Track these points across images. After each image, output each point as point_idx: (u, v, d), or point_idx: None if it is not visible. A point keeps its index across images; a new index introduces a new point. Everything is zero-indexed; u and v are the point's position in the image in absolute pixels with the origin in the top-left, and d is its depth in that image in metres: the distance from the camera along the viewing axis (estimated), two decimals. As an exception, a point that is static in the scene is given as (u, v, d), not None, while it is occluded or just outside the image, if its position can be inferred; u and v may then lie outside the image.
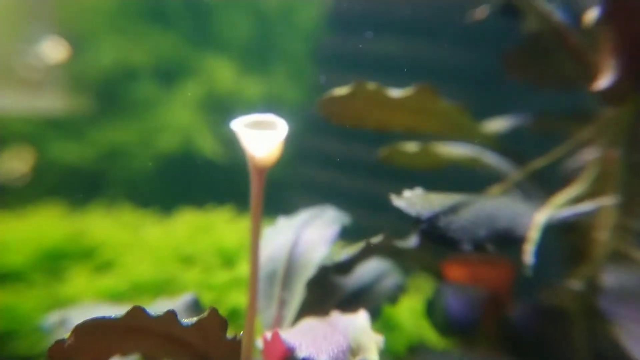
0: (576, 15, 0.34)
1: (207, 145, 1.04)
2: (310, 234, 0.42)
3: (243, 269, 0.73)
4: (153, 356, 0.23)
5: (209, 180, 1.02)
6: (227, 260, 0.76)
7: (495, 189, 0.37)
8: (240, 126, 0.35)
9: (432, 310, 0.40)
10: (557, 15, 0.31)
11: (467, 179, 0.50)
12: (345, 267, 0.38)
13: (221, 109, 1.06)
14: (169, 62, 1.05)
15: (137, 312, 0.21)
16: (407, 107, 0.43)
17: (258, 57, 1.11)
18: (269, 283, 0.39)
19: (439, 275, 0.42)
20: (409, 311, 0.61)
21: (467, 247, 0.27)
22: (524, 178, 0.36)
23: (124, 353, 0.21)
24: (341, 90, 0.43)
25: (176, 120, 1.04)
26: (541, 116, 0.42)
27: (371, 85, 0.42)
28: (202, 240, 0.79)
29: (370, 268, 0.45)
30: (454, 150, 0.50)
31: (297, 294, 0.37)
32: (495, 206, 0.30)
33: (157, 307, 0.37)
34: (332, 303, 0.38)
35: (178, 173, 1.04)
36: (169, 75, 1.05)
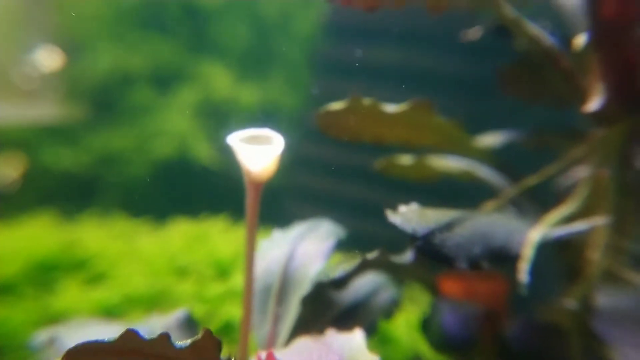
0: (566, 36, 0.35)
1: (203, 151, 1.03)
2: (306, 248, 0.42)
3: (237, 280, 0.72)
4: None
5: (204, 186, 1.02)
6: (222, 271, 0.75)
7: (490, 204, 0.37)
8: (237, 141, 0.35)
9: (428, 326, 0.40)
10: (547, 39, 0.32)
11: (463, 189, 0.50)
12: (340, 282, 0.38)
13: (218, 115, 1.06)
14: (165, 69, 1.05)
15: (130, 335, 0.20)
16: (402, 121, 0.43)
17: (255, 64, 1.11)
18: (263, 298, 0.39)
19: (434, 289, 0.42)
20: (405, 324, 0.61)
21: (462, 264, 0.27)
22: (517, 194, 0.36)
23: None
24: (337, 105, 0.43)
25: (172, 126, 1.04)
26: (534, 132, 0.43)
27: (367, 101, 0.42)
28: (196, 250, 0.78)
29: (366, 281, 0.45)
30: (448, 163, 0.50)
31: (292, 310, 0.36)
32: (489, 223, 0.30)
33: (149, 324, 0.37)
34: (327, 319, 0.38)
35: (173, 179, 1.04)
36: (166, 81, 1.05)
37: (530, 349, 0.32)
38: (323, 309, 0.39)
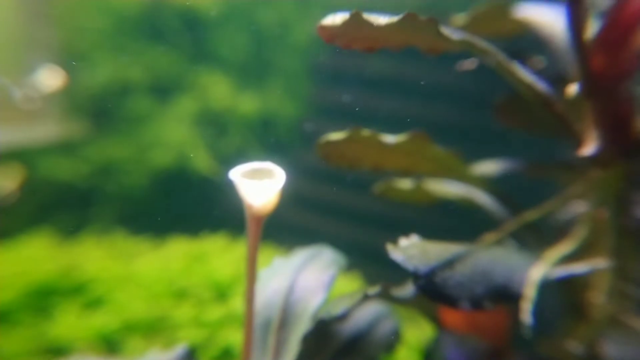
0: (558, 73, 0.36)
1: (202, 161, 1.03)
2: (306, 279, 0.42)
3: (236, 303, 0.72)
4: None
5: (203, 197, 1.01)
6: (220, 293, 0.75)
7: (489, 236, 0.37)
8: (238, 176, 0.35)
9: (432, 359, 0.39)
10: (540, 84, 0.32)
11: (459, 214, 0.50)
12: (341, 317, 0.37)
13: (217, 125, 1.06)
14: (165, 79, 1.05)
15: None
16: (401, 151, 0.44)
17: (254, 74, 1.12)
18: (263, 332, 0.38)
19: (436, 320, 0.41)
20: (406, 347, 0.60)
21: (465, 305, 0.27)
22: (517, 227, 0.37)
23: None
24: (337, 135, 0.44)
25: (172, 136, 1.03)
26: (531, 163, 0.44)
27: (366, 132, 0.43)
28: (195, 272, 0.78)
29: (366, 312, 0.45)
30: (447, 189, 0.51)
31: (293, 345, 0.36)
32: (490, 259, 0.31)
33: (149, 361, 0.36)
34: (328, 354, 0.38)
35: (173, 189, 1.03)
36: (165, 91, 1.05)
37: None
38: (324, 344, 0.38)
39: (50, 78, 1.05)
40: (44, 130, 1.07)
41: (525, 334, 0.27)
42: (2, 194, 0.94)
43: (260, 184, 0.35)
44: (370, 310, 0.43)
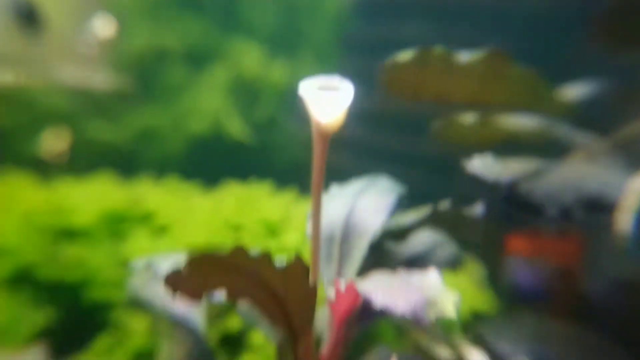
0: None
1: (237, 128, 1.05)
2: (366, 203, 0.42)
3: (287, 238, 0.76)
4: (240, 295, 0.25)
5: (240, 161, 1.04)
6: (272, 230, 0.79)
7: (576, 155, 0.34)
8: (309, 89, 0.35)
9: (494, 280, 0.39)
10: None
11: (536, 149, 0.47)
12: (402, 233, 0.38)
13: (249, 93, 1.07)
14: (199, 47, 1.06)
15: (240, 251, 0.22)
16: (475, 73, 0.41)
17: (285, 43, 1.10)
18: (327, 245, 0.40)
19: (501, 248, 0.41)
20: (454, 281, 0.61)
21: (552, 212, 0.26)
22: (605, 147, 0.33)
23: (223, 287, 0.23)
24: (406, 55, 0.41)
25: (206, 104, 1.06)
26: (625, 86, 0.38)
27: (438, 50, 0.40)
28: (247, 211, 0.83)
29: (423, 238, 0.45)
30: (518, 121, 0.47)
31: (357, 258, 0.38)
32: (580, 172, 0.29)
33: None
34: (391, 265, 0.39)
35: (210, 155, 1.07)
36: (199, 59, 1.06)
37: (611, 307, 0.31)
38: (385, 258, 0.40)
39: (104, 27, 1.09)
40: (99, 77, 1.14)
41: (620, 247, 0.25)
42: (53, 154, 1.03)
43: (330, 95, 0.34)
44: (428, 236, 0.44)
